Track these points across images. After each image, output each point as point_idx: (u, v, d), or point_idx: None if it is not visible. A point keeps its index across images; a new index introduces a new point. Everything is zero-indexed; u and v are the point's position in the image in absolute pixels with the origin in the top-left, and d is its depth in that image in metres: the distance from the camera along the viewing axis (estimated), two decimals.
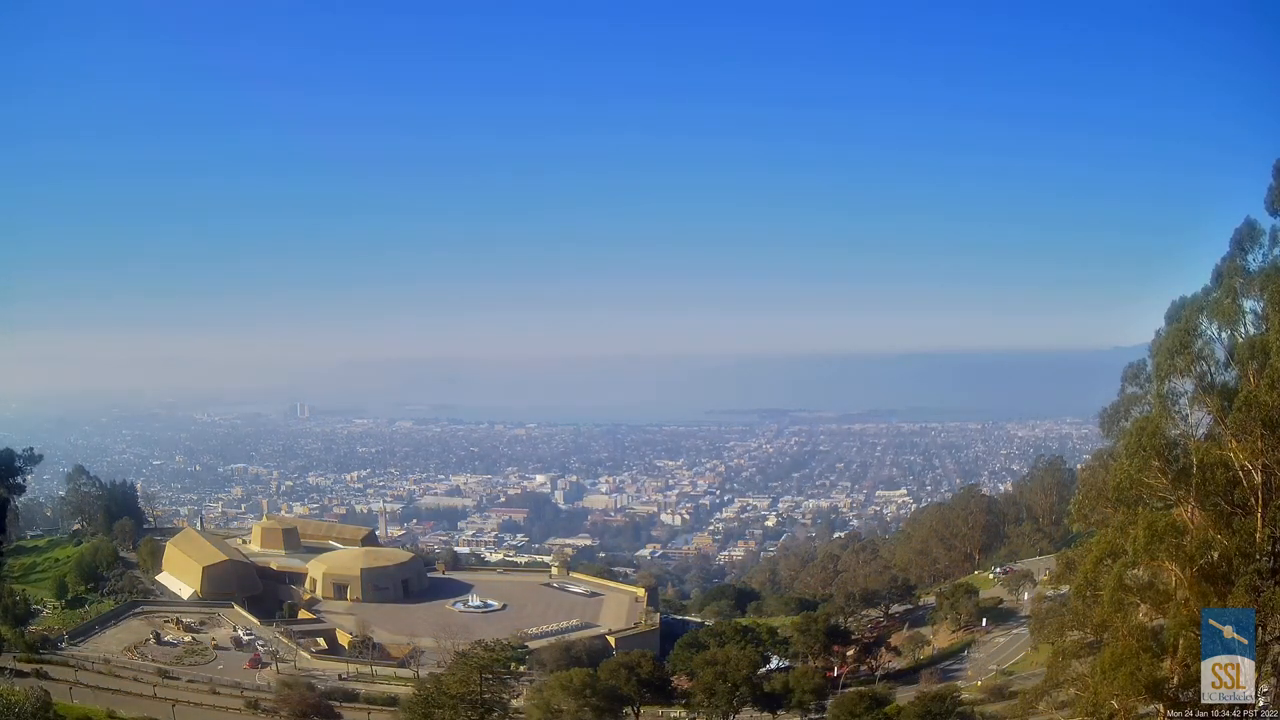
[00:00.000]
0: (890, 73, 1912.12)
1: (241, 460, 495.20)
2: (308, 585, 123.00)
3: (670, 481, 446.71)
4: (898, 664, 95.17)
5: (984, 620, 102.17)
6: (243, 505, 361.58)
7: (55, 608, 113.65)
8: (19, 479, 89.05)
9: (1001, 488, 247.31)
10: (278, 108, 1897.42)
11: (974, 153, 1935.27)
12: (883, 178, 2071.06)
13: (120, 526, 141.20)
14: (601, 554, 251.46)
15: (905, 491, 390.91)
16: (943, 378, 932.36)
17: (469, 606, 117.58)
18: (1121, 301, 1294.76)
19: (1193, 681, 31.75)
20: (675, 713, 78.28)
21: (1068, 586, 43.30)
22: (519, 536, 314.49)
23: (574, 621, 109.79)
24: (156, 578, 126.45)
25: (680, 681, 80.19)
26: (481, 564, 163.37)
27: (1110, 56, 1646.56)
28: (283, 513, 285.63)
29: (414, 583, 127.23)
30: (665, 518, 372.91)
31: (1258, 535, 34.57)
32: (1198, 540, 34.93)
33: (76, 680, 77.64)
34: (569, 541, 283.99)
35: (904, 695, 75.10)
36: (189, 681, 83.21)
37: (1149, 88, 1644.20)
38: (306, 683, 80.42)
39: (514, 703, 71.43)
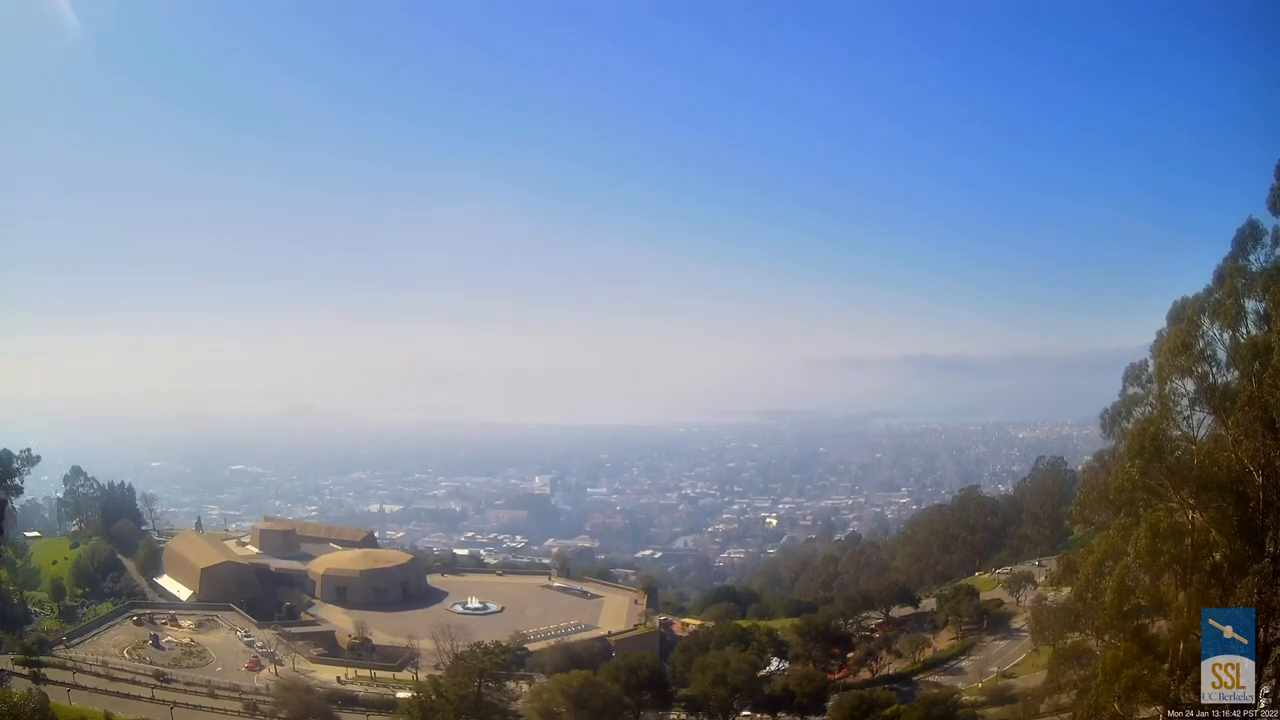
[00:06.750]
0: (887, 75, 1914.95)
1: (241, 461, 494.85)
2: (307, 587, 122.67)
3: (670, 483, 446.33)
4: (898, 666, 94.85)
5: (984, 622, 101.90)
6: (242, 507, 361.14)
7: (53, 610, 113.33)
8: (16, 480, 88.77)
9: (1002, 489, 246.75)
10: (287, 107, 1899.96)
11: (975, 155, 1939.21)
12: (883, 178, 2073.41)
13: (118, 528, 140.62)
14: (601, 556, 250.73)
15: (906, 493, 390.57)
16: (944, 379, 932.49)
17: (468, 608, 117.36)
18: (1124, 302, 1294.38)
19: (1193, 684, 31.52)
20: (675, 715, 78.00)
21: (1068, 589, 42.87)
22: (519, 538, 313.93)
23: (573, 623, 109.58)
24: (155, 580, 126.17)
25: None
26: (481, 566, 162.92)
27: (1111, 58, 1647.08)
28: (282, 514, 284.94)
29: (413, 584, 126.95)
30: (665, 519, 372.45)
31: (1260, 537, 34.32)
32: (1199, 543, 34.67)
33: (74, 682, 77.53)
34: (569, 543, 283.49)
35: (904, 698, 74.88)
36: (186, 684, 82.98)
37: (1150, 89, 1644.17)
38: (305, 685, 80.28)
39: (513, 705, 71.20)
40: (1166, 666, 34.81)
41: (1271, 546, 34.30)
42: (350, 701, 79.39)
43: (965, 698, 74.20)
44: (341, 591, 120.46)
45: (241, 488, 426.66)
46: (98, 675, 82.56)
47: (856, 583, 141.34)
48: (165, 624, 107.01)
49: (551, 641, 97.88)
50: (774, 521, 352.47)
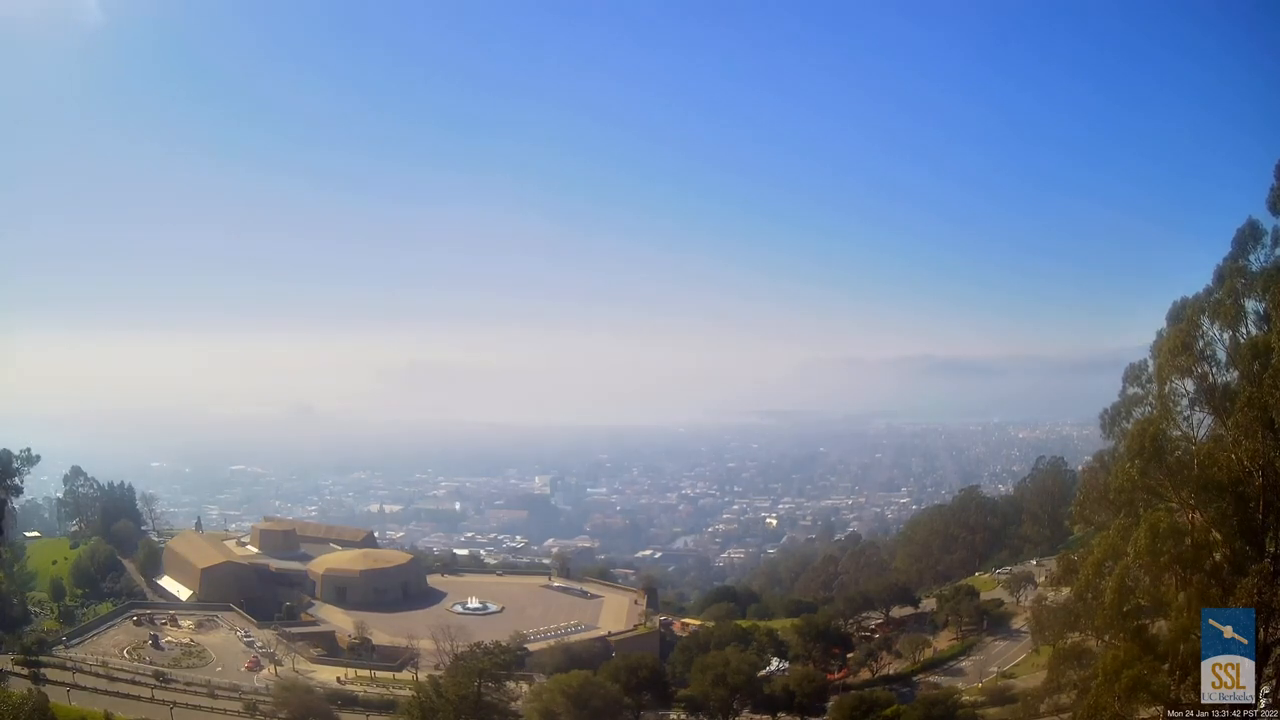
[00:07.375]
0: (887, 75, 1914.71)
1: (241, 461, 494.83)
2: (307, 587, 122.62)
3: (670, 483, 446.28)
4: (898, 667, 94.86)
5: (984, 623, 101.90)
6: (242, 507, 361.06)
7: (52, 610, 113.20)
8: (16, 480, 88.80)
9: (1002, 489, 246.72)
10: (290, 104, 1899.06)
11: (975, 155, 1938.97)
12: (883, 176, 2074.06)
13: (118, 528, 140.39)
14: (601, 556, 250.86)
15: (906, 493, 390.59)
16: (944, 379, 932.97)
17: (468, 609, 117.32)
18: (1124, 302, 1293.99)
19: (1194, 684, 31.50)
20: (675, 715, 78.00)
21: (1068, 589, 42.86)
22: (519, 538, 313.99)
23: (573, 623, 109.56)
24: (155, 580, 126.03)
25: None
26: (481, 566, 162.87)
27: (1112, 58, 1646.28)
28: (281, 515, 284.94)
29: (413, 585, 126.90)
30: (665, 519, 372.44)
31: (1260, 538, 34.31)
32: (1199, 543, 34.66)
33: (74, 683, 77.47)
34: (569, 543, 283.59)
35: (904, 698, 74.86)
36: (186, 684, 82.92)
37: (1150, 89, 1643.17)
38: (305, 686, 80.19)
39: (513, 705, 71.19)
40: (1166, 666, 34.77)
41: (1271, 546, 34.32)
42: (350, 702, 79.33)
43: (965, 698, 74.19)
44: (341, 592, 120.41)
45: (241, 488, 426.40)
46: (97, 675, 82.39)
47: (856, 583, 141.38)
48: (165, 624, 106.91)
49: (551, 641, 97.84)
50: (774, 521, 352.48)
